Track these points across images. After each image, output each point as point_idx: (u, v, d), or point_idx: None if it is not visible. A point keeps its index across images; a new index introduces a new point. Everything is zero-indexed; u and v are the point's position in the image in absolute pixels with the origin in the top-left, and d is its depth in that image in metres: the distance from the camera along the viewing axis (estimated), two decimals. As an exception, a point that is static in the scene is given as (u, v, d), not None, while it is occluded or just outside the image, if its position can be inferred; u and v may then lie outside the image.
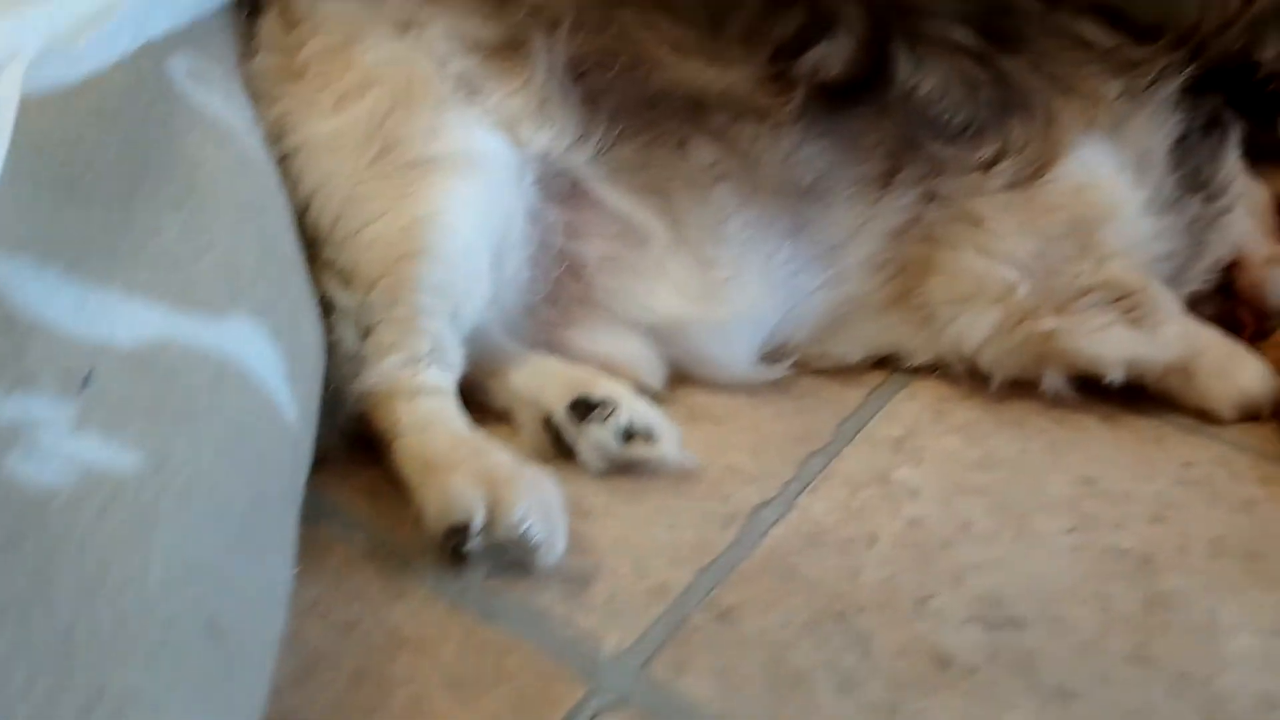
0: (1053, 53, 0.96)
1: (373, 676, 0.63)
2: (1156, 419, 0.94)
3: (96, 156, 0.62)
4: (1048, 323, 0.90)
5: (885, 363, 0.99)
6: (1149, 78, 0.97)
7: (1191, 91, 1.00)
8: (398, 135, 0.80)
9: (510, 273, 0.84)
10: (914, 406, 0.95)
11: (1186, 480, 0.88)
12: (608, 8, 0.89)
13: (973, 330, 0.92)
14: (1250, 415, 0.94)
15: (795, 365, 0.95)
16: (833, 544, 0.78)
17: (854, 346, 0.97)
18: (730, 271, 0.89)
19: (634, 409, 0.81)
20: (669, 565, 0.74)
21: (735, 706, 0.64)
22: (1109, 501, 0.84)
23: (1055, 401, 0.94)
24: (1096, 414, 0.94)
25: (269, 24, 0.87)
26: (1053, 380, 0.92)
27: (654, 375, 0.90)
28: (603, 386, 0.82)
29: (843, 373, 0.97)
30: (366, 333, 0.77)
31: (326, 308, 0.78)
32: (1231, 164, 1.02)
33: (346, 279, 0.78)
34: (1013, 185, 0.91)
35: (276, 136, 0.82)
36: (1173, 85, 0.98)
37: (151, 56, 0.72)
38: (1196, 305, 1.02)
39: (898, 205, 0.91)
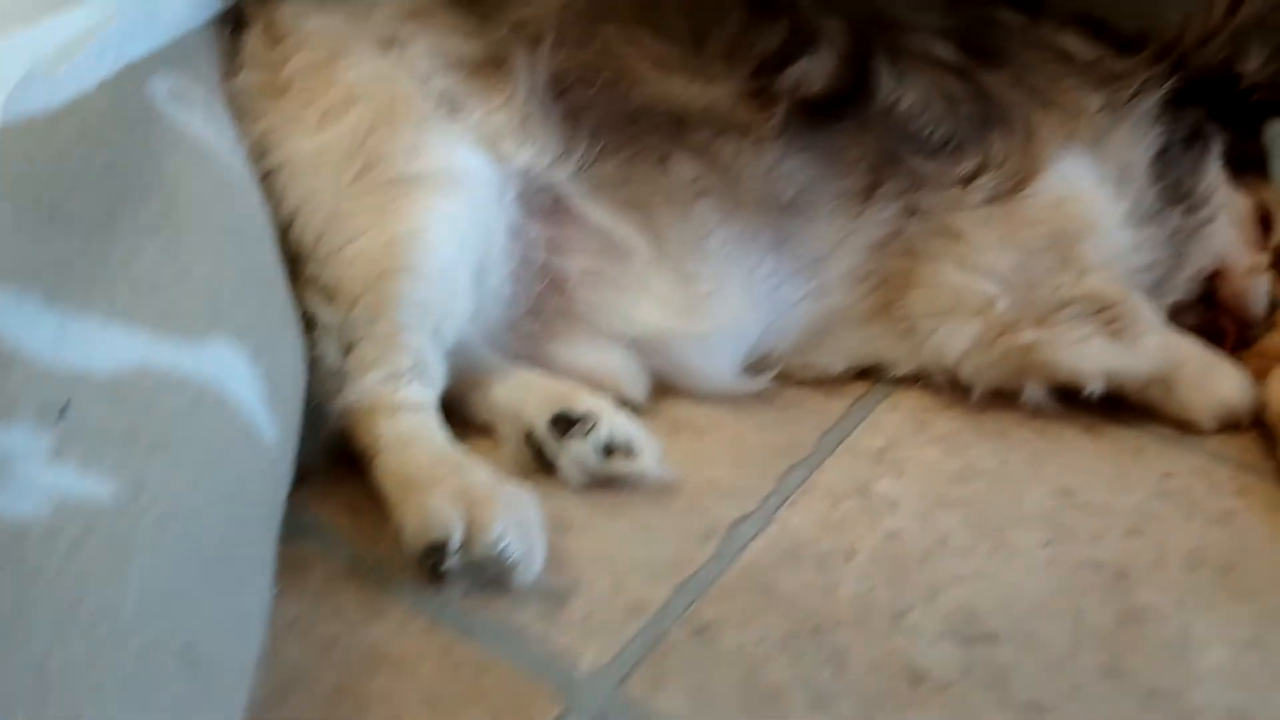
0: (1034, 66, 0.96)
1: (351, 695, 0.64)
2: (1137, 429, 0.95)
3: (78, 180, 0.63)
4: (1027, 335, 0.91)
5: (868, 373, 0.99)
6: (1130, 90, 0.98)
7: (1173, 103, 1.00)
8: (380, 153, 0.81)
9: (492, 288, 0.85)
10: (896, 417, 0.96)
11: (1165, 492, 0.88)
12: (590, 24, 0.90)
13: (953, 342, 0.92)
14: (1230, 426, 0.95)
15: (778, 376, 0.95)
16: (811, 558, 0.79)
17: (837, 358, 0.97)
18: (712, 286, 0.90)
19: (615, 424, 0.82)
20: (647, 581, 0.74)
21: (709, 724, 0.65)
22: (1087, 514, 0.85)
23: (1036, 412, 0.94)
24: (1078, 424, 0.95)
25: (253, 40, 0.87)
26: (1033, 391, 0.93)
27: (636, 388, 0.90)
28: (584, 401, 0.83)
29: (826, 383, 0.98)
30: (348, 349, 0.78)
31: (309, 324, 0.79)
32: (1213, 175, 1.02)
33: (329, 295, 0.79)
34: (993, 199, 0.91)
35: (260, 153, 0.82)
36: (1154, 98, 0.99)
37: (133, 78, 0.73)
38: (1179, 315, 1.02)
39: (879, 219, 0.91)
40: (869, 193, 0.91)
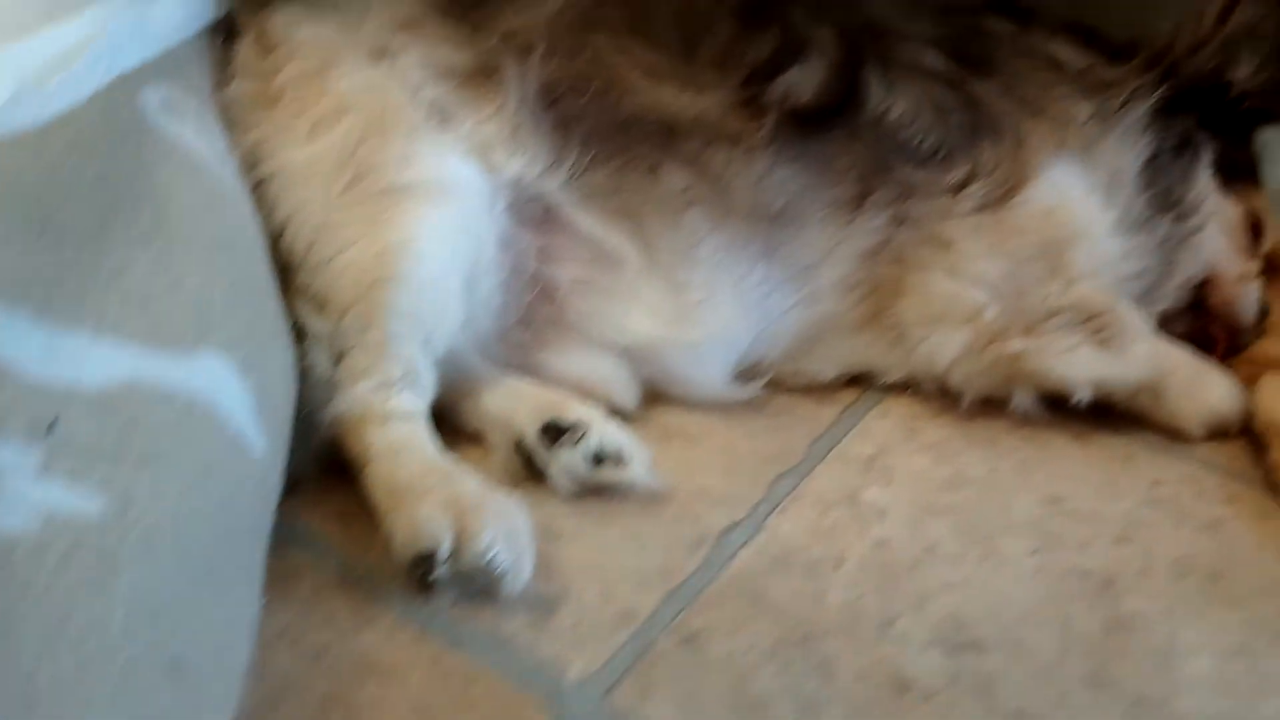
0: (1024, 75, 0.96)
1: (340, 704, 0.65)
2: (1127, 436, 0.95)
3: (69, 193, 0.64)
4: (1016, 344, 0.91)
5: (859, 380, 1.00)
6: (1121, 99, 0.98)
7: (1163, 111, 1.01)
8: (370, 163, 0.81)
9: (483, 297, 0.85)
10: (886, 424, 0.96)
11: (1153, 500, 0.89)
12: (581, 33, 0.90)
13: (943, 350, 0.93)
14: (1219, 433, 0.95)
15: (769, 384, 0.96)
16: (800, 566, 0.79)
17: (827, 365, 0.98)
18: (703, 294, 0.90)
19: (604, 432, 0.82)
20: (636, 590, 0.75)
21: (696, 734, 0.66)
22: (1075, 521, 0.86)
23: (1026, 419, 0.95)
24: (1067, 432, 0.95)
25: (245, 49, 0.88)
26: (1022, 399, 0.94)
27: (627, 396, 0.91)
28: (574, 410, 0.83)
29: (817, 390, 0.98)
30: (339, 358, 0.78)
31: (300, 333, 0.79)
32: (1203, 183, 1.03)
33: (320, 305, 0.80)
34: (982, 208, 0.92)
35: (251, 163, 0.83)
36: (1144, 106, 0.99)
37: (124, 89, 0.73)
38: (1169, 322, 1.03)
39: (869, 228, 0.92)
40: (859, 201, 0.91)
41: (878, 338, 0.96)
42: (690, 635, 0.72)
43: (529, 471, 0.83)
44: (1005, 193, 0.92)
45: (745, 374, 0.95)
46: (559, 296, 0.89)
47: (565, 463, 0.81)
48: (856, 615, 0.75)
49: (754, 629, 0.73)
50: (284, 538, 0.71)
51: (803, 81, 0.91)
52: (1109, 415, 0.95)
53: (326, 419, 0.77)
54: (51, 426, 0.51)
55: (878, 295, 0.94)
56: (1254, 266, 1.08)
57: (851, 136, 0.91)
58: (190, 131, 0.76)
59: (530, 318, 0.88)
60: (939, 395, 0.97)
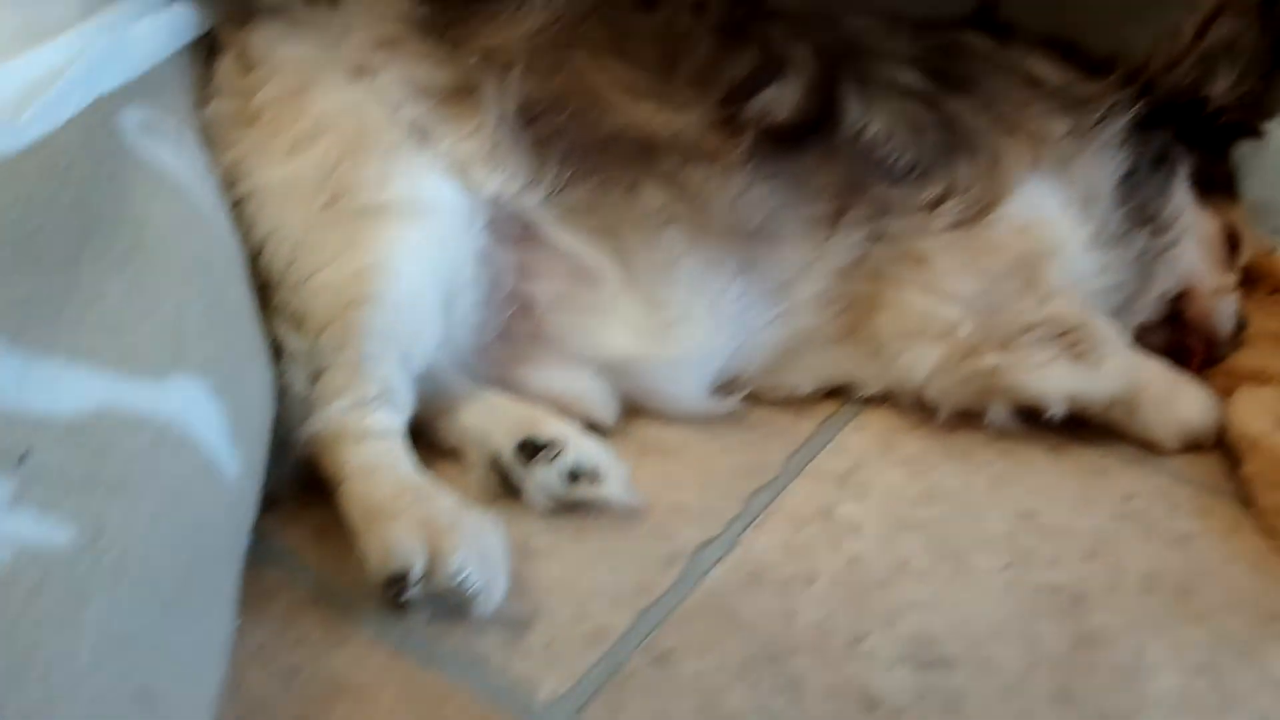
0: (1001, 92, 0.97)
1: (313, 724, 0.66)
2: (1101, 449, 0.96)
3: (44, 220, 0.64)
4: (990, 359, 0.92)
5: (838, 392, 1.01)
6: (1098, 115, 0.99)
7: (1141, 126, 1.01)
8: (348, 182, 0.82)
9: (461, 314, 0.86)
10: (863, 438, 0.97)
11: (1125, 514, 0.90)
12: (560, 51, 0.90)
13: (919, 365, 0.93)
14: (1194, 446, 0.97)
15: (748, 397, 0.97)
16: (772, 583, 0.80)
17: (806, 378, 0.98)
18: (680, 311, 0.91)
19: (580, 449, 0.83)
20: (609, 608, 0.76)
21: (666, 753, 0.67)
22: (1046, 536, 0.87)
23: (1002, 432, 0.96)
24: (1042, 444, 0.96)
25: (226, 67, 0.88)
26: (998, 413, 0.95)
27: (605, 411, 0.91)
28: (550, 427, 0.84)
29: (795, 403, 0.99)
30: (316, 377, 0.79)
31: (278, 351, 0.80)
32: (1180, 197, 1.04)
33: (297, 323, 0.80)
34: (958, 225, 0.93)
35: (230, 182, 0.83)
36: (1121, 121, 1.00)
37: (103, 112, 0.74)
38: (1146, 335, 1.04)
39: (846, 244, 0.92)
40: (836, 218, 0.92)
41: (855, 352, 0.97)
42: (661, 654, 0.73)
43: (505, 488, 0.84)
44: (980, 210, 0.93)
45: (723, 388, 0.96)
46: (537, 313, 0.90)
47: (541, 480, 0.82)
48: (826, 633, 0.76)
49: (724, 647, 0.74)
50: (260, 556, 0.72)
51: (780, 99, 0.92)
52: (1084, 427, 0.96)
53: (303, 437, 0.77)
54: (24, 458, 0.52)
55: (855, 310, 0.95)
56: (1231, 279, 1.09)
57: (828, 154, 0.92)
58: (168, 152, 0.77)
59: (509, 334, 0.89)
60: (916, 408, 0.98)
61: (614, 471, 0.83)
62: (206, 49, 0.91)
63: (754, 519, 0.86)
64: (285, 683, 0.68)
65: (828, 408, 1.00)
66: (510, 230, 0.88)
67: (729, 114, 0.91)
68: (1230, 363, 1.05)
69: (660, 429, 0.95)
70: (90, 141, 0.71)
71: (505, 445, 0.83)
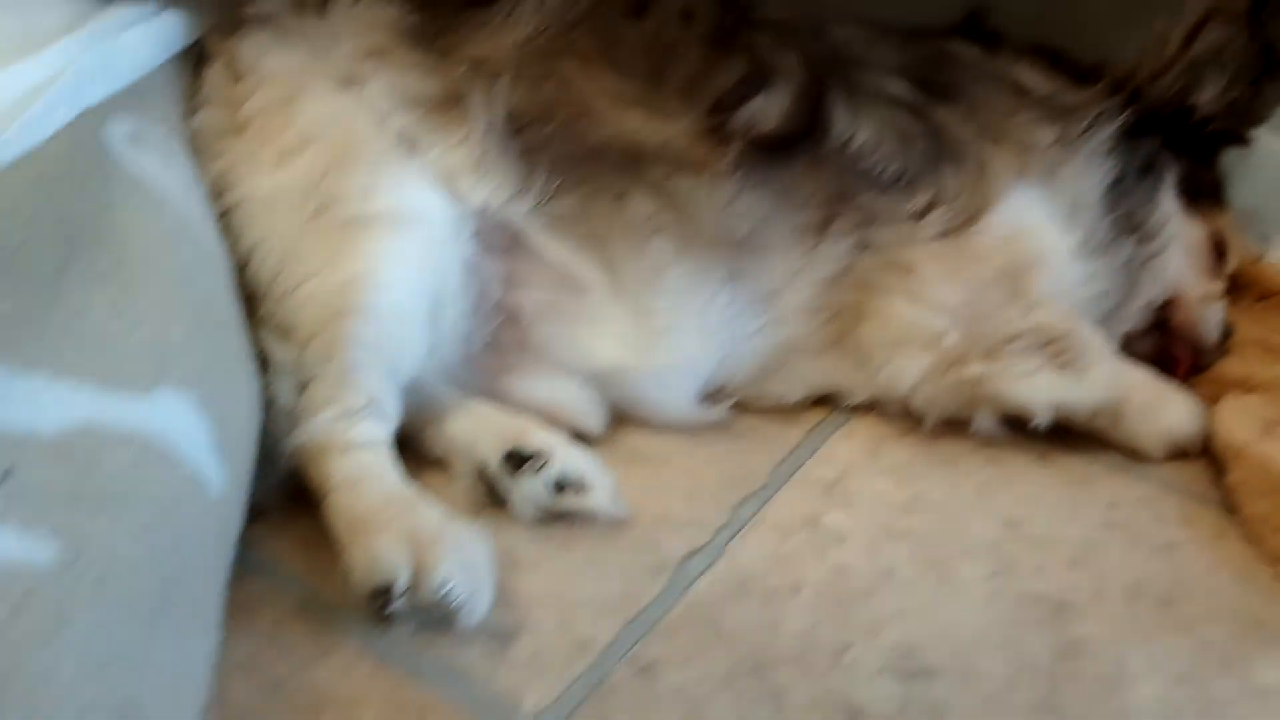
0: (988, 101, 0.98)
1: (298, 736, 0.66)
2: (1088, 457, 0.97)
3: (30, 235, 0.64)
4: (976, 368, 0.92)
5: (826, 400, 1.01)
6: (1084, 124, 1.00)
7: (1128, 134, 1.02)
8: (335, 193, 0.82)
9: (448, 324, 0.86)
10: (850, 446, 0.97)
11: (1110, 522, 0.90)
12: (548, 60, 0.91)
13: (905, 373, 0.94)
14: (1179, 454, 0.97)
15: (736, 405, 0.97)
16: (758, 593, 0.80)
17: (793, 386, 0.99)
18: (668, 320, 0.91)
19: (567, 460, 0.83)
20: (594, 619, 0.76)
21: (649, 764, 0.67)
22: (1031, 545, 0.87)
23: (988, 440, 0.96)
24: (1029, 452, 0.96)
25: (214, 77, 0.88)
26: (984, 421, 0.95)
27: (593, 420, 0.92)
28: (536, 437, 0.84)
29: (783, 411, 1.00)
30: (302, 388, 0.79)
31: (265, 362, 0.80)
32: (1166, 206, 1.04)
33: (284, 334, 0.80)
34: (944, 234, 0.93)
35: (218, 192, 0.84)
36: (1108, 130, 1.00)
37: (89, 124, 0.74)
38: (1133, 342, 1.04)
39: (833, 254, 0.93)
40: (823, 228, 0.92)
41: (842, 360, 0.97)
42: (646, 665, 0.73)
43: (492, 499, 0.84)
44: (967, 219, 0.93)
45: (711, 396, 0.97)
46: (525, 322, 0.90)
47: (527, 491, 0.82)
48: (810, 643, 0.76)
49: (709, 658, 0.74)
50: (246, 567, 0.72)
51: (768, 109, 0.92)
52: (1071, 435, 0.97)
53: (289, 448, 0.78)
54: (6, 475, 0.52)
55: (842, 319, 0.95)
56: (1218, 287, 1.09)
57: (816, 164, 0.92)
58: (155, 163, 0.77)
59: (496, 343, 0.89)
60: (904, 416, 0.98)
61: (600, 482, 0.83)
62: (195, 58, 0.91)
63: (740, 528, 0.86)
64: (270, 694, 0.68)
65: (815, 415, 1.00)
66: (498, 240, 0.89)
67: (717, 123, 0.91)
68: (1217, 370, 1.06)
69: (648, 438, 0.95)
70: (77, 154, 0.72)
71: (491, 456, 0.84)
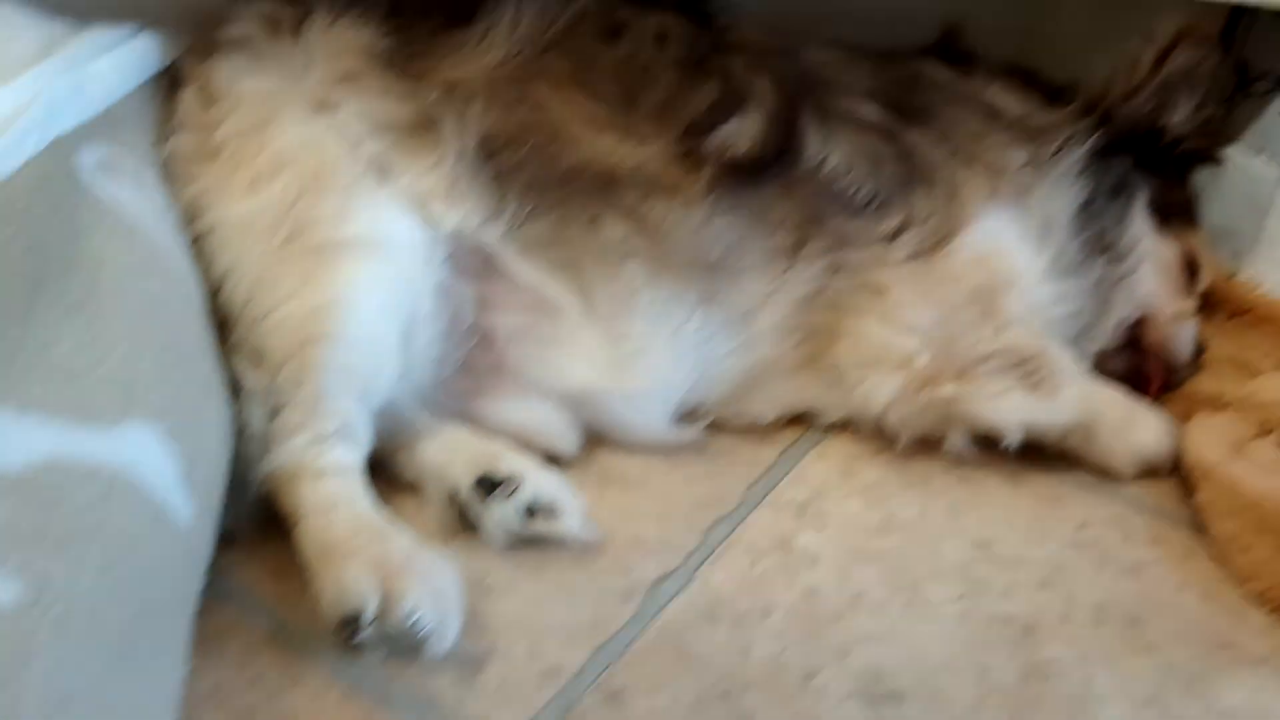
0: (959, 123, 0.98)
1: (266, 766, 0.66)
2: (1058, 476, 0.98)
3: (0, 263, 0.65)
4: (948, 389, 0.93)
5: (802, 419, 1.01)
6: (1055, 145, 1.00)
7: (1099, 155, 1.03)
8: (307, 218, 0.82)
9: (421, 347, 0.86)
10: (823, 466, 0.98)
11: (1079, 542, 0.91)
12: (522, 84, 0.91)
13: (877, 394, 0.94)
14: (1150, 473, 0.98)
15: (711, 425, 0.98)
16: (728, 617, 0.81)
17: (768, 406, 0.99)
18: (641, 343, 0.92)
19: (538, 485, 0.84)
20: (564, 645, 0.77)
21: (616, 791, 0.68)
22: (1001, 566, 0.88)
23: (961, 458, 0.97)
24: (1001, 471, 0.97)
25: (188, 101, 0.88)
26: (956, 440, 0.96)
27: (567, 442, 0.92)
28: (508, 462, 0.85)
29: (758, 431, 1.00)
30: (274, 413, 0.79)
31: (237, 388, 0.80)
32: (1138, 225, 1.05)
33: (256, 360, 0.81)
34: (915, 256, 0.94)
35: (192, 217, 0.84)
36: (1079, 151, 1.01)
37: (60, 153, 0.74)
38: (1106, 360, 1.05)
39: (805, 276, 0.93)
40: (795, 250, 0.93)
41: (816, 380, 0.98)
42: (614, 692, 0.74)
43: (463, 524, 0.84)
44: (938, 241, 0.94)
45: (686, 417, 0.97)
46: (498, 345, 0.90)
47: (498, 516, 0.82)
48: (780, 667, 0.77)
49: (677, 684, 0.74)
50: (216, 595, 0.72)
51: (740, 133, 0.93)
52: (1043, 453, 0.97)
53: (261, 474, 0.78)
54: (-31, 515, 0.52)
55: (815, 340, 0.96)
56: (1190, 305, 1.10)
57: (788, 187, 0.93)
58: (127, 191, 0.78)
59: (469, 366, 0.90)
60: (877, 434, 0.98)
61: (571, 506, 0.84)
62: (169, 81, 0.91)
63: (712, 551, 0.87)
64: (240, 724, 0.69)
65: (791, 435, 1.01)
66: (471, 263, 0.89)
67: (690, 147, 0.92)
68: (1189, 387, 1.06)
69: (623, 459, 0.95)
70: (47, 184, 0.72)
71: (463, 481, 0.84)
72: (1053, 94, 1.07)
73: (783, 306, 0.94)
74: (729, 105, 0.93)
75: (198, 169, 0.85)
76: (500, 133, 0.89)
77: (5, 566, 0.52)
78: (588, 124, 0.91)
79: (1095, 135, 1.02)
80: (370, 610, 0.69)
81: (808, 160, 0.93)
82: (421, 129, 0.88)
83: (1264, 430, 0.98)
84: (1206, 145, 1.10)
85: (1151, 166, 1.07)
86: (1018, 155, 0.99)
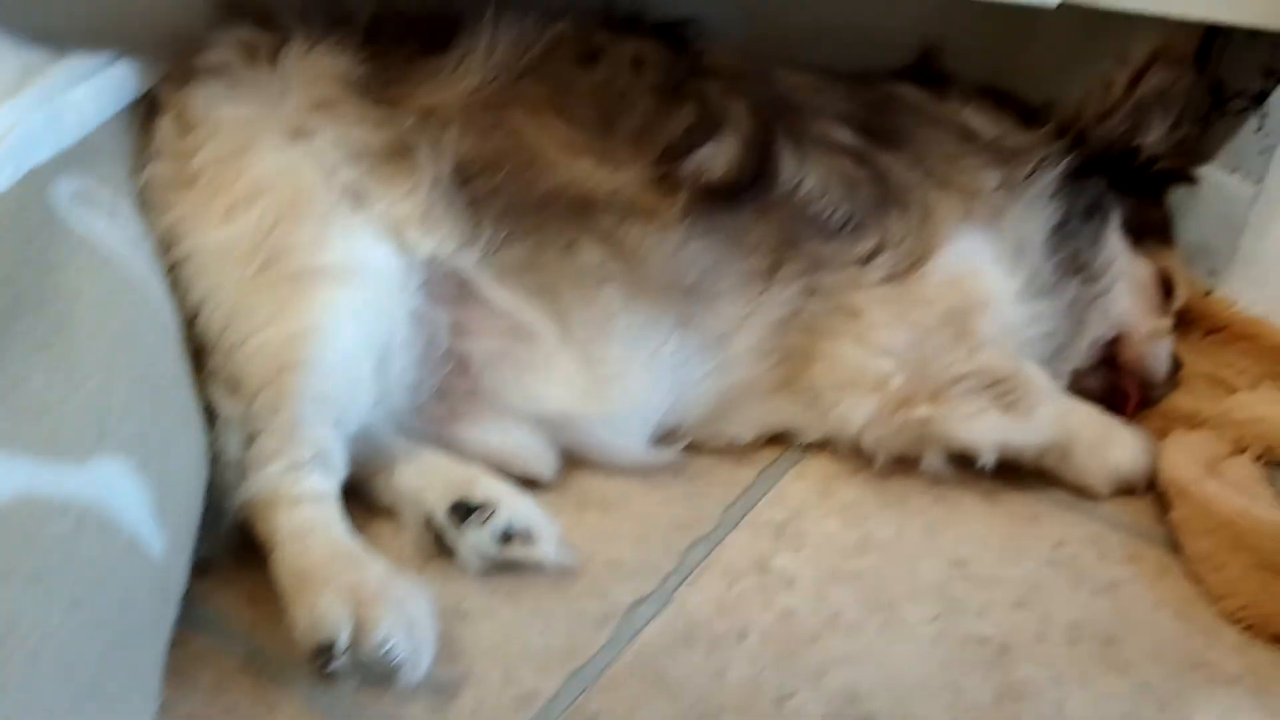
0: (933, 146, 0.99)
1: (239, 797, 0.67)
2: (1035, 495, 0.98)
3: (-28, 298, 0.65)
4: (923, 410, 0.94)
5: (780, 439, 1.02)
6: (1029, 167, 1.01)
7: (1074, 175, 1.03)
8: (283, 246, 0.83)
9: (397, 374, 0.86)
10: (801, 486, 0.98)
11: (1055, 561, 0.92)
12: (498, 110, 0.92)
13: (853, 415, 0.95)
14: (1126, 491, 0.99)
15: (690, 445, 0.98)
16: (704, 641, 0.81)
17: (745, 427, 1.00)
18: (618, 367, 0.92)
19: (514, 510, 0.84)
20: (538, 671, 0.77)
21: (587, 818, 0.68)
22: (977, 586, 0.88)
23: (937, 478, 0.97)
24: (977, 490, 0.98)
25: (164, 128, 0.89)
26: (932, 460, 0.96)
27: (544, 466, 0.93)
28: (483, 487, 0.85)
29: (737, 451, 1.01)
30: (250, 441, 0.80)
31: (213, 415, 0.80)
32: (1112, 246, 1.06)
33: (232, 388, 0.81)
34: (890, 278, 0.94)
35: (168, 245, 0.84)
36: (1053, 173, 1.02)
37: (35, 184, 0.75)
38: (1082, 379, 1.06)
39: (781, 299, 0.94)
40: (771, 273, 0.94)
41: (793, 401, 0.98)
42: (589, 717, 0.74)
43: (439, 549, 0.85)
44: (912, 263, 0.95)
45: (664, 438, 0.98)
46: (474, 370, 0.91)
47: (474, 542, 0.83)
48: (755, 691, 0.77)
49: (652, 709, 0.75)
50: (190, 623, 0.72)
51: (716, 157, 0.93)
52: (1019, 472, 0.98)
53: (237, 502, 0.78)
54: (-63, 552, 0.53)
55: (791, 362, 0.97)
56: (1166, 323, 1.11)
57: (764, 211, 0.94)
58: (103, 221, 0.78)
59: (446, 392, 0.90)
60: (855, 454, 0.99)
61: (547, 532, 0.84)
62: (146, 109, 0.92)
63: (690, 573, 0.87)
64: (212, 755, 0.69)
65: (769, 455, 1.01)
66: (446, 289, 0.89)
67: (666, 171, 0.92)
68: (1166, 405, 1.07)
69: (601, 481, 0.96)
70: (22, 216, 0.72)
71: (438, 507, 0.84)
72: (1027, 115, 1.08)
73: (759, 329, 0.95)
74: (705, 130, 0.94)
75: (174, 196, 0.86)
76: (476, 158, 0.90)
77: (-27, 604, 0.52)
78: (564, 149, 0.92)
79: (1070, 156, 1.03)
80: (343, 639, 0.69)
81: (783, 184, 0.94)
82: (397, 155, 0.89)
83: (1239, 448, 0.99)
84: (1181, 164, 1.11)
85: (1126, 186, 1.08)
86: (992, 177, 0.99)
